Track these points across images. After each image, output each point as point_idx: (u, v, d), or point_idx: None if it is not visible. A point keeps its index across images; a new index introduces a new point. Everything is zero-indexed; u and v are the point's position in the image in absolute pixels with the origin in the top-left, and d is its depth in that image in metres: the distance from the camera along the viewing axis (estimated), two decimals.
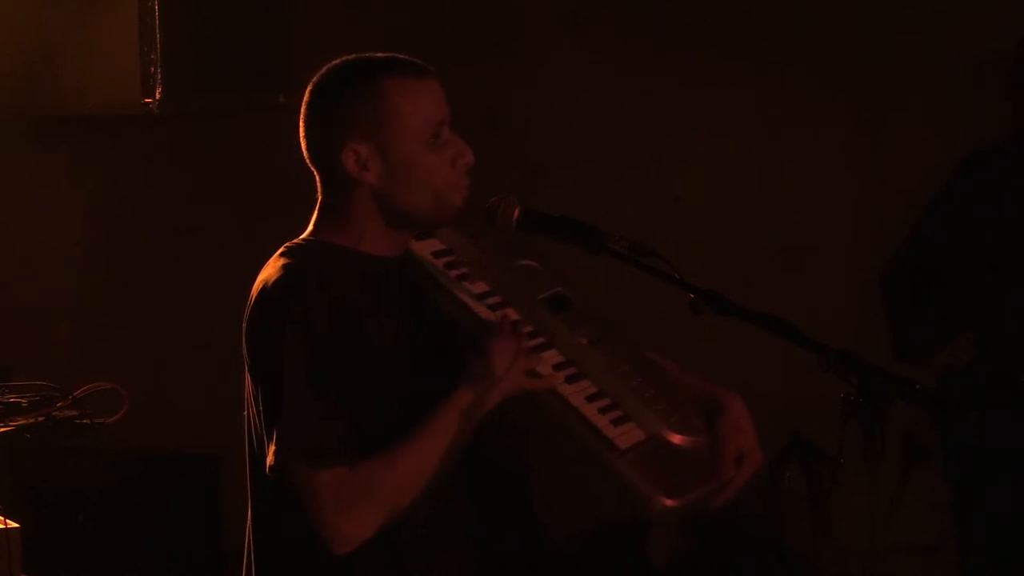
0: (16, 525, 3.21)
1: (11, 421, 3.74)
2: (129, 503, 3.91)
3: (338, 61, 2.54)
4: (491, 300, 2.55)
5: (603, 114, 4.88)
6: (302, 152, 2.54)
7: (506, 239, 2.65)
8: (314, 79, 2.53)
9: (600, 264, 2.60)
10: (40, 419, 3.77)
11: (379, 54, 2.52)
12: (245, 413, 2.49)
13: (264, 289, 2.43)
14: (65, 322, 4.94)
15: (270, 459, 2.36)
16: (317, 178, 2.54)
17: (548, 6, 4.91)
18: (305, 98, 2.52)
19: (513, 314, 2.54)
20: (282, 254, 2.49)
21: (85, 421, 3.79)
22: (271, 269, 2.45)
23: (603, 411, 2.46)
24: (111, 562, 3.82)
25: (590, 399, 2.47)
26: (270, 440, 2.36)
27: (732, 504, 2.57)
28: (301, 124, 2.53)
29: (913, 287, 3.93)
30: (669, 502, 2.38)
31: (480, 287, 2.56)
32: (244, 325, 2.45)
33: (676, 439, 2.48)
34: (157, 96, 4.49)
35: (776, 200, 4.76)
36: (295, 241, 2.53)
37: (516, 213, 2.57)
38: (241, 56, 4.66)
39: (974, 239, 3.82)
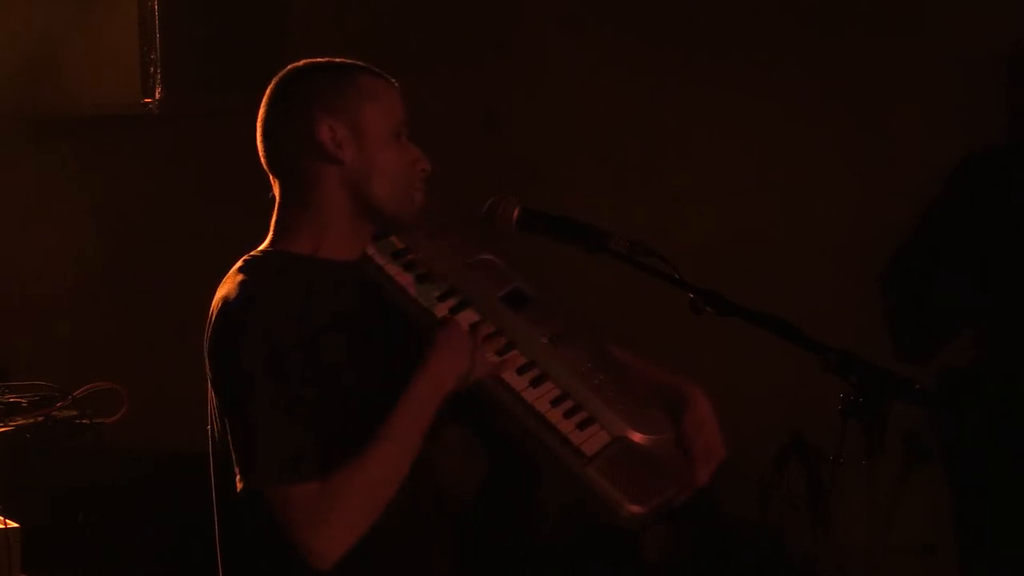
0: (16, 525, 3.21)
1: (11, 421, 3.75)
2: (129, 503, 3.91)
3: (298, 63, 2.56)
4: (452, 300, 2.54)
5: (603, 114, 4.88)
6: (261, 156, 2.54)
7: (462, 234, 2.66)
8: (274, 80, 2.55)
9: (599, 264, 2.60)
10: (40, 419, 3.77)
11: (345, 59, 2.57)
12: (208, 428, 2.48)
13: (223, 307, 2.41)
14: (65, 322, 4.94)
15: (242, 481, 2.36)
16: (276, 182, 2.53)
17: (548, 6, 4.91)
18: (268, 95, 2.54)
19: (473, 315, 2.53)
20: (240, 269, 2.47)
21: (85, 421, 3.79)
22: (229, 285, 2.44)
23: (568, 415, 2.46)
24: (111, 562, 3.81)
25: (555, 403, 2.47)
26: (241, 460, 2.36)
27: (709, 494, 2.57)
28: (263, 120, 2.53)
29: (913, 287, 3.94)
30: (636, 508, 2.38)
31: (441, 287, 2.55)
32: (206, 343, 2.43)
33: (639, 438, 2.48)
34: (157, 96, 4.49)
35: (776, 200, 4.76)
36: (253, 253, 2.52)
37: (516, 213, 2.57)
38: (241, 56, 4.66)
39: (974, 239, 3.83)
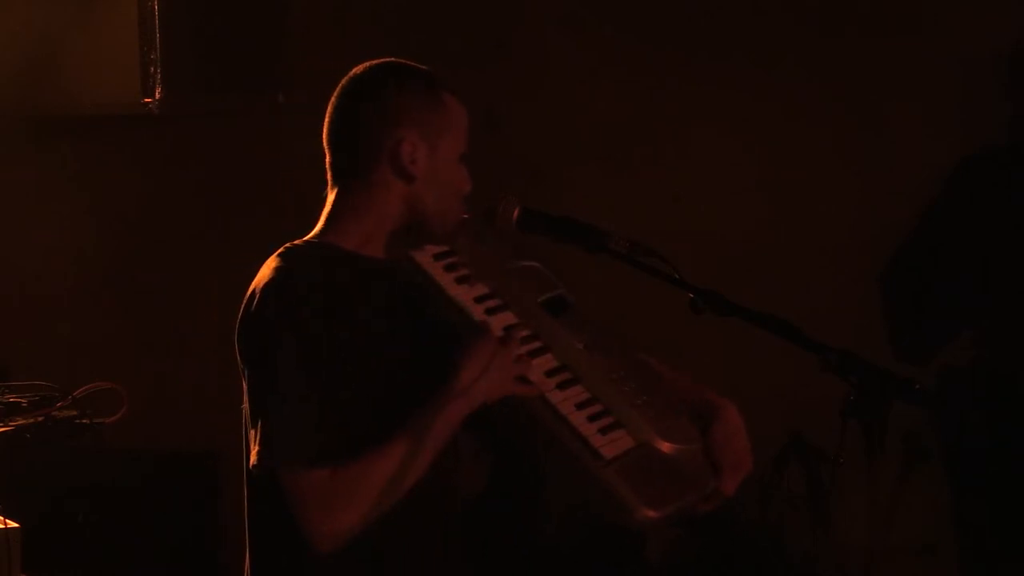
0: (16, 525, 3.20)
1: (11, 421, 3.75)
2: (129, 503, 3.90)
3: (380, 62, 2.59)
4: (491, 303, 2.56)
5: (603, 114, 4.88)
6: (333, 145, 2.56)
7: (508, 240, 2.67)
8: (357, 75, 2.57)
9: (599, 264, 2.61)
10: (40, 419, 3.77)
11: (420, 65, 2.60)
12: (243, 407, 2.52)
13: (256, 291, 2.46)
14: (65, 322, 4.94)
15: (254, 459, 2.40)
16: (339, 176, 2.56)
17: (548, 6, 4.91)
18: (351, 93, 2.56)
19: (511, 317, 2.55)
20: (279, 255, 2.51)
21: (85, 421, 3.79)
22: (266, 271, 2.48)
23: (593, 418, 2.48)
24: (111, 562, 3.81)
25: (580, 406, 2.49)
26: (256, 440, 2.40)
27: (730, 505, 2.58)
28: (343, 119, 2.55)
29: (913, 287, 3.94)
30: (651, 513, 2.40)
31: (480, 289, 2.57)
32: (237, 325, 2.48)
33: (665, 447, 2.50)
34: (157, 96, 4.49)
35: (775, 200, 4.76)
36: (295, 242, 2.56)
37: (516, 213, 2.59)
38: (241, 56, 4.66)
39: (974, 239, 3.83)
